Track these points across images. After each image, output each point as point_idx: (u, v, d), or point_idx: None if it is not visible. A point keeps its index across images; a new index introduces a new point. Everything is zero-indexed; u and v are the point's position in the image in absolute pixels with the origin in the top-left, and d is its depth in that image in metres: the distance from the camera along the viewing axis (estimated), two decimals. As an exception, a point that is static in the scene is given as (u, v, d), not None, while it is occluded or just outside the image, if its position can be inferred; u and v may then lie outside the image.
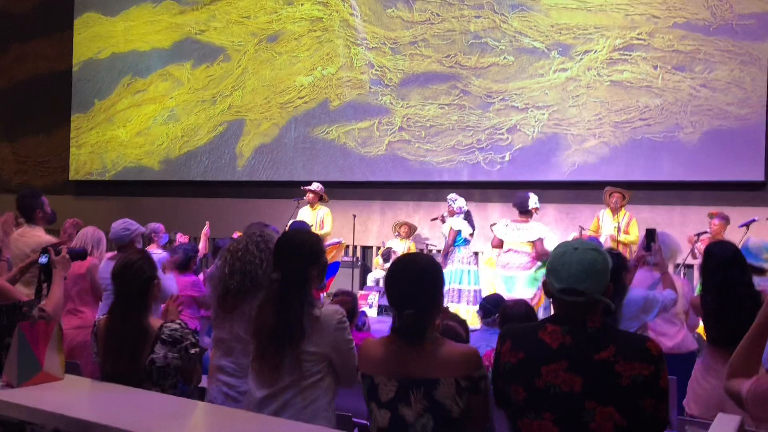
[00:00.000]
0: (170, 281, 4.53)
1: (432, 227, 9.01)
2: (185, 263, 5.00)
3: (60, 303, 3.17)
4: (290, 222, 7.33)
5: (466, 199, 7.69)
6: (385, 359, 2.08)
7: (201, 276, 5.24)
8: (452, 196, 7.85)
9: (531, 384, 1.85)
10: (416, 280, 2.09)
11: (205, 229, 6.69)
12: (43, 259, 3.18)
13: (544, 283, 1.94)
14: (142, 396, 2.45)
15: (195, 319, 4.91)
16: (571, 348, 1.83)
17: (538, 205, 6.63)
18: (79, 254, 3.46)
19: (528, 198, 6.55)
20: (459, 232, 7.48)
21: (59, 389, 2.48)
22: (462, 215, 7.63)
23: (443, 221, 7.76)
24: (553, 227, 8.55)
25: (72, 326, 4.17)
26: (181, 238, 7.31)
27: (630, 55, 8.13)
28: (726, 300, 3.19)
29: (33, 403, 2.27)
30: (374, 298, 8.00)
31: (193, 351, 2.63)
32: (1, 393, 2.36)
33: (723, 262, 3.24)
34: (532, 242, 6.36)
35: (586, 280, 1.84)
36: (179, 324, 2.66)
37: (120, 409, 2.29)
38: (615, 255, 2.91)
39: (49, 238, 4.49)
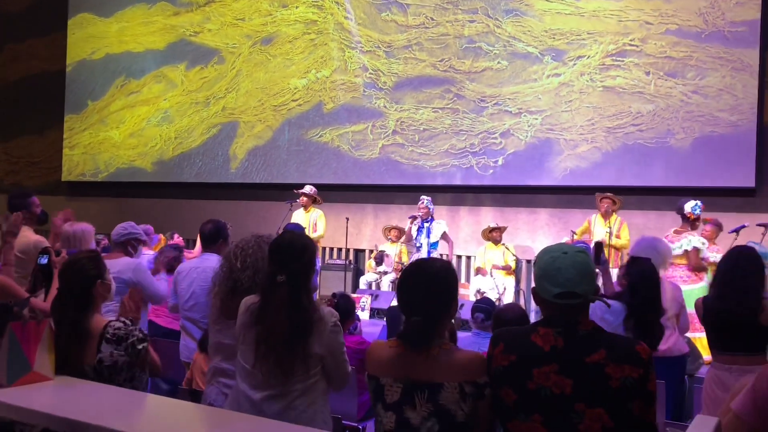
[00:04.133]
0: (162, 283, 4.52)
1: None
2: (175, 263, 4.97)
3: None
4: (284, 224, 7.32)
5: (459, 203, 7.71)
6: (391, 362, 2.06)
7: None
8: (429, 197, 8.03)
9: (522, 386, 1.86)
10: (428, 286, 2.06)
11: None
12: (43, 260, 3.19)
13: (534, 290, 1.95)
14: (135, 396, 2.43)
15: None
16: (563, 350, 1.84)
17: (695, 212, 6.06)
18: None
19: (684, 203, 6.13)
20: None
21: (49, 389, 2.46)
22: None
23: (413, 222, 8.08)
24: (546, 232, 8.62)
25: None
26: (177, 239, 7.27)
27: (623, 60, 8.17)
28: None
29: (22, 403, 2.25)
30: (366, 301, 7.98)
31: (140, 347, 2.60)
32: (-8, 392, 2.35)
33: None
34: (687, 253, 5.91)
35: (581, 283, 1.86)
36: (123, 322, 2.62)
37: (110, 408, 2.28)
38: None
39: (38, 238, 4.58)
